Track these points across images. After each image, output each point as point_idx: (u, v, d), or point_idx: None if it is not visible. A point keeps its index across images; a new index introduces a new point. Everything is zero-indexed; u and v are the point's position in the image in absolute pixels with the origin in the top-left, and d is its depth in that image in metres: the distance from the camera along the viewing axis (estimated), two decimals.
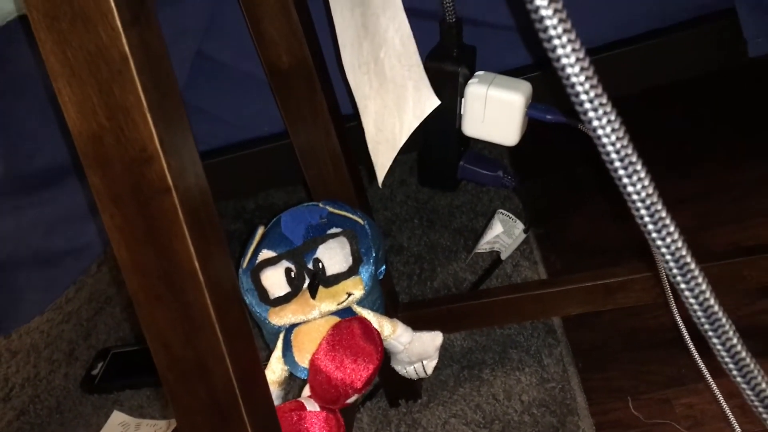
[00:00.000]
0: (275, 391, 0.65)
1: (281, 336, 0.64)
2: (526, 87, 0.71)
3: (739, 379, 0.33)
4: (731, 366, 0.33)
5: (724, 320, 0.32)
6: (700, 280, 0.31)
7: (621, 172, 0.29)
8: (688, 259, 0.30)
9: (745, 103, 1.14)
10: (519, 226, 0.90)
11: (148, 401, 0.95)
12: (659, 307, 0.84)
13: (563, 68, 0.27)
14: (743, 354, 0.33)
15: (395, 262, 1.04)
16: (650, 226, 0.30)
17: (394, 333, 0.67)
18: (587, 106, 0.28)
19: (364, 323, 0.63)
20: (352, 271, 0.64)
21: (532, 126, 0.73)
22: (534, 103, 0.71)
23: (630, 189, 0.29)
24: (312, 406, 0.60)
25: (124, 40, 0.37)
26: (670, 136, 1.13)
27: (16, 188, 0.86)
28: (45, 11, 0.36)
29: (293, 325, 0.64)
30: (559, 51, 0.26)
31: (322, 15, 0.70)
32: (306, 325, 0.63)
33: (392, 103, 0.66)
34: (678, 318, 0.68)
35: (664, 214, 0.30)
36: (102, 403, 0.97)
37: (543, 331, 0.87)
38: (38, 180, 0.87)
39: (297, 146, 0.71)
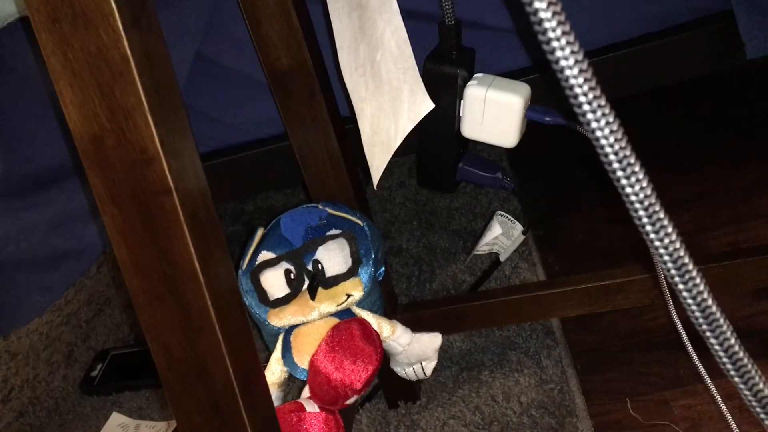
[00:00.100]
0: (275, 393, 0.65)
1: (281, 337, 0.65)
2: (524, 89, 0.71)
3: (737, 380, 0.33)
4: (729, 367, 0.33)
5: (722, 321, 0.32)
6: (698, 281, 0.31)
7: (619, 173, 0.29)
8: (686, 261, 0.31)
9: (743, 106, 1.14)
10: (518, 228, 0.91)
11: (148, 403, 0.95)
12: (658, 309, 0.84)
13: (562, 70, 0.27)
14: (741, 355, 0.33)
15: (394, 264, 1.05)
16: (648, 228, 0.30)
17: (394, 334, 0.68)
18: (586, 108, 0.28)
19: (364, 324, 0.63)
20: (351, 273, 0.64)
21: (530, 128, 0.73)
22: (533, 105, 0.72)
23: (628, 190, 0.29)
24: (311, 407, 0.60)
25: (125, 42, 0.37)
26: (668, 138, 1.14)
27: (16, 189, 0.86)
28: (46, 13, 0.37)
29: (293, 327, 0.64)
30: (558, 53, 0.27)
31: (322, 17, 0.70)
32: (305, 326, 0.63)
33: (388, 106, 0.66)
34: (676, 320, 0.68)
35: (662, 215, 0.30)
36: (101, 405, 0.97)
37: (542, 333, 0.87)
38: (38, 181, 0.87)
39: (296, 148, 0.71)
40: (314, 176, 0.72)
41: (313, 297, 0.62)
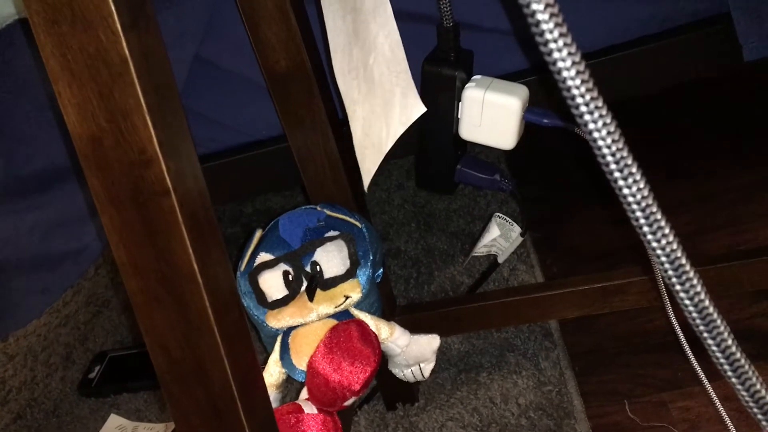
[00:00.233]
0: (273, 394, 0.65)
1: (279, 339, 0.64)
2: (523, 91, 0.71)
3: (734, 380, 0.33)
4: (727, 368, 0.33)
5: (719, 322, 0.32)
6: (695, 282, 0.31)
7: (617, 175, 0.29)
8: (684, 261, 0.31)
9: (741, 108, 1.14)
10: (516, 230, 0.91)
11: (146, 404, 0.95)
12: (656, 311, 0.84)
13: (559, 72, 0.27)
14: (739, 356, 0.33)
15: (392, 266, 1.05)
16: (646, 229, 0.30)
17: (392, 336, 0.68)
18: (584, 109, 0.28)
19: (362, 326, 0.63)
20: (349, 274, 0.64)
21: (528, 130, 0.74)
22: (531, 107, 0.72)
23: (626, 192, 0.29)
24: (310, 409, 0.60)
25: (123, 43, 0.37)
26: (665, 140, 1.14)
27: (14, 191, 0.86)
28: (45, 14, 0.37)
29: (291, 328, 0.64)
30: (556, 55, 0.27)
31: (316, 19, 0.70)
32: (304, 327, 0.63)
33: (380, 109, 0.66)
34: (674, 321, 0.68)
35: (659, 216, 0.30)
36: (99, 407, 0.97)
37: (540, 335, 0.87)
38: (36, 183, 0.87)
39: (295, 150, 0.71)
40: (313, 178, 0.72)
41: (311, 298, 0.63)
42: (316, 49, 0.69)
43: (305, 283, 0.63)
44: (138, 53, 0.38)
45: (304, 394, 0.63)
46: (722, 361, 0.33)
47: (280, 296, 0.63)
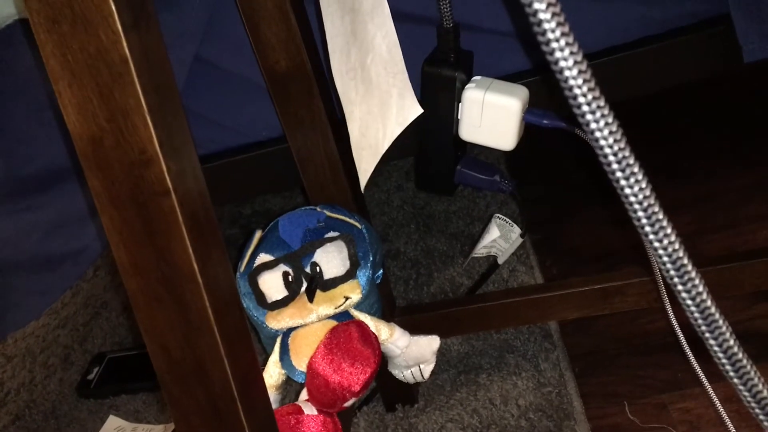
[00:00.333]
0: (273, 395, 0.65)
1: (278, 340, 0.64)
2: (523, 92, 0.71)
3: (736, 381, 0.33)
4: (729, 369, 0.33)
5: (721, 323, 0.32)
6: (697, 281, 0.31)
7: (619, 174, 0.29)
8: (686, 262, 0.31)
9: (741, 109, 1.14)
10: (516, 231, 0.91)
11: (144, 406, 0.95)
12: (655, 312, 0.84)
13: (561, 71, 0.27)
14: (740, 357, 0.33)
15: (392, 267, 1.05)
16: (648, 229, 0.30)
17: (392, 337, 0.67)
18: (585, 110, 0.28)
19: (362, 327, 0.63)
20: (349, 275, 0.64)
21: (528, 131, 0.73)
22: (531, 108, 0.72)
23: (628, 192, 0.29)
24: (309, 410, 0.60)
25: (124, 43, 0.37)
26: (667, 140, 1.14)
27: (14, 191, 0.86)
28: (46, 14, 0.37)
29: (290, 329, 0.64)
30: (558, 54, 0.27)
31: (315, 19, 0.70)
32: (303, 328, 0.63)
33: (377, 110, 0.66)
34: (674, 322, 0.68)
35: (661, 216, 0.30)
36: (98, 408, 0.96)
37: (539, 336, 0.87)
38: (36, 183, 0.87)
39: (294, 151, 0.71)
40: (312, 179, 0.72)
41: (311, 299, 0.62)
42: (316, 49, 0.69)
43: (305, 284, 0.63)
44: (138, 53, 0.38)
45: (303, 395, 0.63)
46: (724, 361, 0.33)
47: (279, 297, 0.63)
